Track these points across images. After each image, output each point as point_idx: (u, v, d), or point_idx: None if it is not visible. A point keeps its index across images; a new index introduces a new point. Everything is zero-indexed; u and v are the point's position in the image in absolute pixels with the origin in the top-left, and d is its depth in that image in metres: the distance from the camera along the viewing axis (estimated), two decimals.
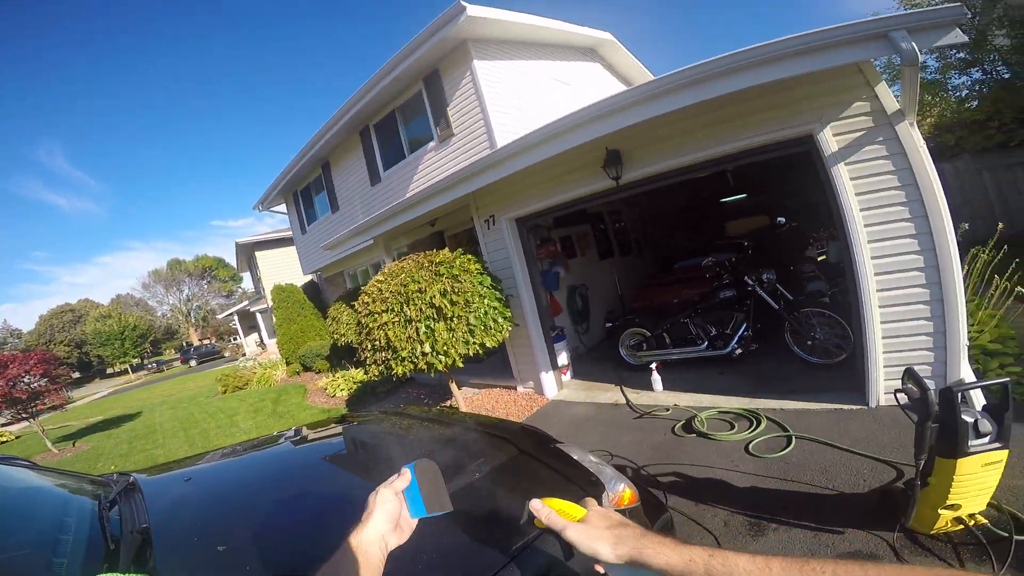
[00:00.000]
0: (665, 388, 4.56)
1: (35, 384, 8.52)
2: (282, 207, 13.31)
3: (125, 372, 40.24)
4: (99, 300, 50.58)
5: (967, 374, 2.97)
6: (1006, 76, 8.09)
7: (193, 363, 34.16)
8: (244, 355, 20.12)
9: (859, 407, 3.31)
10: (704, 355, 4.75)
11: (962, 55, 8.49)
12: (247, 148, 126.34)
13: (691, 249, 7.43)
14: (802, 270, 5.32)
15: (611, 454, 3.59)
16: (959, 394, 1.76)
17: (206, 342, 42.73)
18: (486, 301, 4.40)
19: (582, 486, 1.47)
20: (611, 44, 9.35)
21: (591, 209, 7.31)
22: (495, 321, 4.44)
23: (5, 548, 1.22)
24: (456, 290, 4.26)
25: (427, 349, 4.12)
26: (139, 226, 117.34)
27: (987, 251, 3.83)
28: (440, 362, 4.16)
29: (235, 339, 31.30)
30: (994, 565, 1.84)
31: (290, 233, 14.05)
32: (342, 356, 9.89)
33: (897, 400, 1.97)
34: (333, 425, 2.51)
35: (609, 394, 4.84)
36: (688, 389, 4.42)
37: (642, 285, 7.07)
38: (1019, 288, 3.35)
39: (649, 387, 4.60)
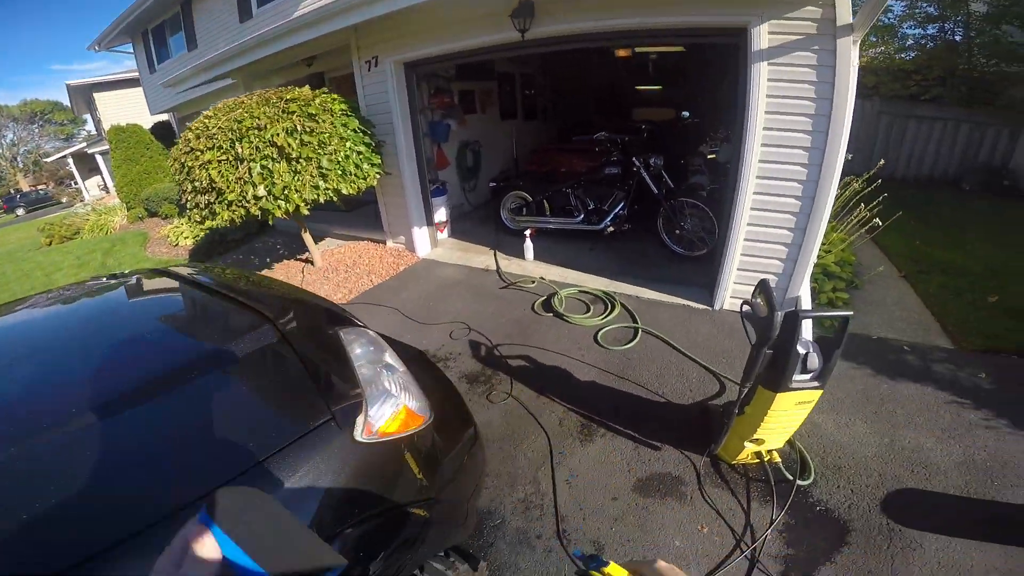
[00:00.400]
0: (536, 257, 4.51)
1: None
2: (127, 47, 11.19)
3: None
4: None
5: (806, 292, 3.10)
6: (957, 39, 8.24)
7: (20, 212, 28.64)
8: (82, 201, 17.21)
9: (704, 307, 3.43)
10: (578, 228, 4.73)
11: (931, 9, 8.40)
12: None
13: (595, 125, 7.11)
14: (691, 163, 5.32)
15: (469, 327, 3.47)
16: (801, 321, 1.57)
17: (40, 188, 35.53)
18: (348, 144, 3.90)
19: (328, 401, 1.07)
20: None
21: (501, 67, 6.70)
22: (358, 167, 4.00)
23: None
24: (309, 130, 3.65)
25: (261, 192, 3.50)
26: None
27: (860, 181, 3.98)
28: (279, 208, 3.60)
29: (74, 184, 26.46)
30: (774, 506, 1.85)
31: (137, 74, 11.97)
32: None
33: (742, 313, 1.81)
34: (69, 290, 1.81)
35: (483, 258, 4.70)
36: (557, 262, 4.40)
37: (535, 150, 6.78)
38: (876, 220, 3.50)
39: (522, 255, 4.53)
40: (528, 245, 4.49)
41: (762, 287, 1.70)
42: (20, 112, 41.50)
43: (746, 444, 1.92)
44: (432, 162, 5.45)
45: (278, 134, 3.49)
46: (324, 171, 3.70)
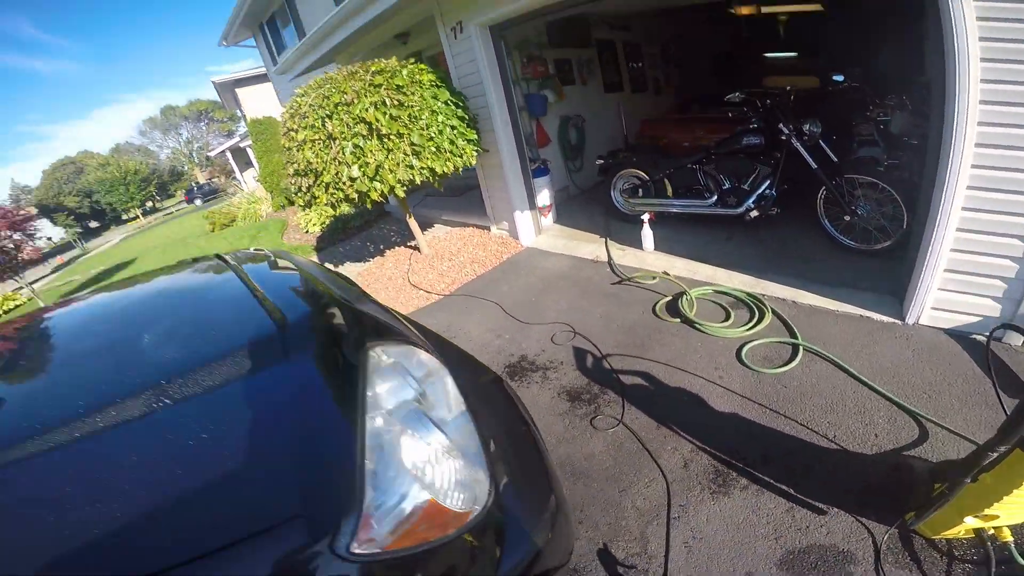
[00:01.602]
0: (657, 248, 3.86)
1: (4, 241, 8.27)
2: (251, 41, 11.72)
3: (137, 218, 40.83)
4: (99, 151, 50.23)
5: None
6: None
7: (198, 202, 34.61)
8: (240, 192, 19.72)
9: (892, 320, 2.54)
10: (711, 212, 3.90)
11: None
12: None
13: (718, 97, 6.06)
14: (858, 131, 4.14)
15: (574, 330, 3.02)
16: None
17: (213, 180, 42.83)
18: (440, 118, 3.68)
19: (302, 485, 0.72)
20: None
21: (598, 34, 6.09)
22: (452, 143, 3.76)
23: None
24: (397, 103, 3.49)
25: (355, 173, 3.40)
26: (130, 78, 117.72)
27: None
28: (375, 190, 3.47)
29: (234, 177, 31.04)
30: None
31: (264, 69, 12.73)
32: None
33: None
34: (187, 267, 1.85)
35: (592, 247, 4.15)
36: (684, 254, 3.68)
37: (648, 120, 5.85)
38: None
39: (639, 244, 3.90)
40: (647, 232, 3.81)
41: None
42: (188, 111, 49.53)
43: (967, 519, 1.29)
44: (532, 138, 5.08)
45: (366, 109, 3.40)
46: (416, 148, 3.52)
